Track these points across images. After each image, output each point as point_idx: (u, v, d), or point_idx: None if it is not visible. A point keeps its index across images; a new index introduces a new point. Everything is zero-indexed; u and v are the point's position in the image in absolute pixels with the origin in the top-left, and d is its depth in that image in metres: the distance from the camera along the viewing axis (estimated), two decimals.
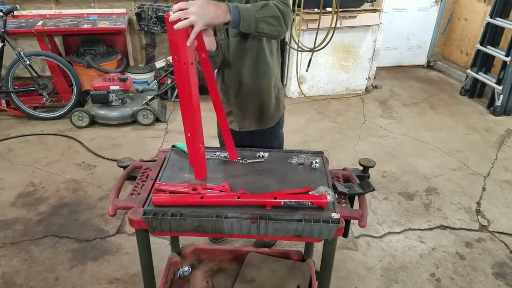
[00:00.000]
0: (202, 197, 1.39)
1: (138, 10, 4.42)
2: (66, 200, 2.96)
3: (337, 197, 1.50)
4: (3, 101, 4.17)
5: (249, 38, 1.71)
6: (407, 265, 2.47)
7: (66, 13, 4.54)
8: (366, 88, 5.14)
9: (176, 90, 4.65)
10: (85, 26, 4.18)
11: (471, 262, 2.50)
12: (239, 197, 1.39)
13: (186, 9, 1.24)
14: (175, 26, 1.21)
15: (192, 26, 1.24)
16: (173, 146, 1.79)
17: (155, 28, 4.49)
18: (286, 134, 2.20)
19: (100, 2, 4.65)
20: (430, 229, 2.78)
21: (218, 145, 2.16)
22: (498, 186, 3.27)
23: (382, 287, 2.32)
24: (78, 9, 4.61)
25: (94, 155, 3.55)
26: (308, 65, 4.51)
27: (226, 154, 1.76)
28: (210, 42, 1.50)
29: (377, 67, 5.24)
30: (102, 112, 4.04)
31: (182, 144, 1.76)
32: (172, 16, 1.22)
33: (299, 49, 4.41)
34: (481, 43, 4.75)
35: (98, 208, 2.88)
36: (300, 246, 2.48)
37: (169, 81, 4.57)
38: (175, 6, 1.24)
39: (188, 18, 1.22)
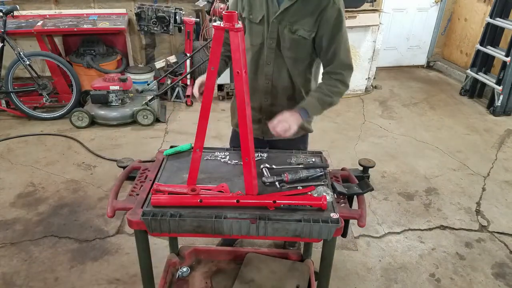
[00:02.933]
0: (200, 200, 1.39)
1: (138, 11, 4.42)
2: (66, 200, 2.96)
3: (336, 197, 1.50)
4: (3, 101, 4.17)
5: (297, 59, 1.78)
6: (407, 265, 2.47)
7: (66, 13, 4.54)
8: (366, 88, 5.14)
9: (176, 90, 4.65)
10: (85, 26, 4.18)
11: (471, 262, 2.50)
12: (238, 201, 1.39)
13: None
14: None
15: None
16: (166, 153, 1.78)
17: (155, 29, 4.49)
18: None
19: (100, 2, 4.65)
20: (430, 229, 2.78)
21: (217, 145, 2.16)
22: (498, 186, 3.26)
23: (382, 287, 2.32)
24: (78, 9, 4.61)
25: (94, 155, 3.55)
26: None
27: (224, 154, 1.76)
28: None
29: (377, 67, 5.23)
30: (102, 112, 4.04)
31: (172, 149, 1.77)
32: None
33: None
34: (481, 43, 4.75)
35: (98, 208, 2.88)
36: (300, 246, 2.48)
37: (169, 81, 4.58)
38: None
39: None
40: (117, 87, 3.98)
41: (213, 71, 1.42)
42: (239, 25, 1.33)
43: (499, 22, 4.50)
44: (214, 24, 1.36)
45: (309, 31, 1.68)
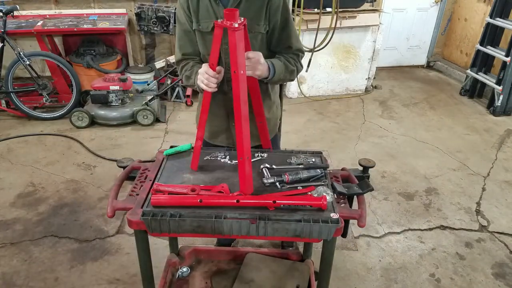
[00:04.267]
0: (200, 201, 1.39)
1: (138, 11, 4.42)
2: (66, 200, 2.96)
3: (336, 197, 1.50)
4: (3, 101, 4.17)
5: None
6: (407, 265, 2.47)
7: (66, 13, 4.54)
8: (366, 88, 5.14)
9: (176, 90, 4.65)
10: (85, 26, 4.18)
11: (471, 262, 2.50)
12: (237, 201, 1.39)
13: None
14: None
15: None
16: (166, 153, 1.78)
17: (155, 29, 4.49)
18: (285, 134, 2.20)
19: (100, 2, 4.65)
20: (430, 229, 2.78)
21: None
22: (498, 187, 3.26)
23: (382, 287, 2.32)
24: (78, 9, 4.61)
25: (94, 155, 3.55)
26: (308, 65, 4.51)
27: (224, 154, 1.76)
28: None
29: (377, 67, 5.23)
30: (102, 112, 4.04)
31: (172, 149, 1.77)
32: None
33: None
34: (481, 43, 4.75)
35: (97, 208, 2.88)
36: (299, 246, 2.48)
37: (169, 81, 4.57)
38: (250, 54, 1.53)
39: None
40: (117, 87, 3.98)
41: (213, 66, 1.50)
42: (237, 24, 1.34)
43: (499, 22, 4.50)
44: (216, 21, 1.38)
45: (264, 24, 1.67)
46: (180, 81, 4.61)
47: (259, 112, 1.72)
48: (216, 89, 1.56)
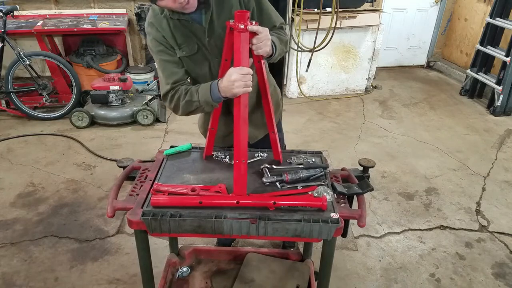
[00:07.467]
0: (200, 202, 1.39)
1: (138, 11, 4.42)
2: (66, 200, 2.96)
3: (336, 197, 1.50)
4: (3, 101, 4.17)
5: None
6: (407, 265, 2.47)
7: (66, 13, 4.54)
8: (366, 88, 5.14)
9: None
10: (85, 26, 4.18)
11: (471, 262, 2.50)
12: (238, 201, 1.39)
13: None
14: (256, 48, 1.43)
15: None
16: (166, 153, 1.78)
17: None
18: (286, 134, 2.20)
19: (100, 2, 4.65)
20: (430, 229, 2.78)
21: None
22: (498, 187, 3.26)
23: (382, 287, 2.32)
24: (78, 9, 4.61)
25: (94, 155, 3.55)
26: (308, 66, 4.51)
27: (224, 154, 1.76)
28: None
29: (377, 67, 5.23)
30: (102, 112, 4.04)
31: (172, 149, 1.77)
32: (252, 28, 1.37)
33: (299, 49, 4.41)
34: (481, 43, 4.74)
35: (98, 208, 2.88)
36: (299, 246, 2.48)
37: None
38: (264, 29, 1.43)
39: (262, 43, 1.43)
40: (117, 87, 3.98)
41: (227, 62, 1.48)
42: (243, 26, 1.33)
43: (499, 22, 4.50)
44: (228, 21, 1.38)
45: None
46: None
47: (271, 123, 1.66)
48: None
